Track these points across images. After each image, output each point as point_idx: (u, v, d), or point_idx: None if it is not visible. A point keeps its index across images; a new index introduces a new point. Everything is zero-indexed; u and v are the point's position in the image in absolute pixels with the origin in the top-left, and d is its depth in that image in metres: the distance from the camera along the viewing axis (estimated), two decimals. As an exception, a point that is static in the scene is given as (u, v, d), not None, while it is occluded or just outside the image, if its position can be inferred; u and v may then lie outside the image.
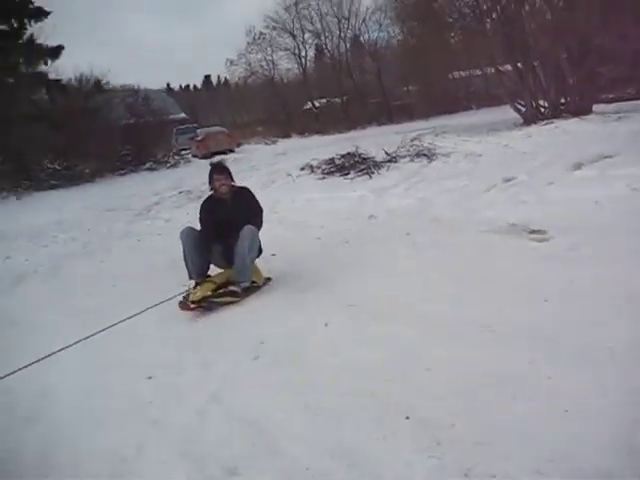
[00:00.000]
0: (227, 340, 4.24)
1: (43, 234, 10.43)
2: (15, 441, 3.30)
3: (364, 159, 11.60)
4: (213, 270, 5.46)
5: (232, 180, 5.58)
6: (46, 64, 23.41)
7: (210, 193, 5.64)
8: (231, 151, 25.64)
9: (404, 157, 11.29)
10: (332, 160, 12.01)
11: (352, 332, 4.00)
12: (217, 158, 6.36)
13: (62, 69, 24.04)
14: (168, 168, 21.78)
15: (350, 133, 27.98)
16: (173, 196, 13.23)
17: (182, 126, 31.68)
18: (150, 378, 3.79)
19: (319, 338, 4.00)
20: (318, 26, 38.51)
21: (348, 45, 39.10)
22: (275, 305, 4.88)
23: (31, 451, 3.16)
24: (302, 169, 12.46)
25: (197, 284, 5.19)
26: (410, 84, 36.12)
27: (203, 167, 20.61)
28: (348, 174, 11.08)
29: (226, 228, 5.23)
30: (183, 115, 42.18)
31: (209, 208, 5.50)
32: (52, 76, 23.65)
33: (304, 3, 37.50)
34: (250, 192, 5.63)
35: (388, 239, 6.45)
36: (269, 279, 5.57)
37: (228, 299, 5.08)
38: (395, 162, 11.11)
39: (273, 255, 6.48)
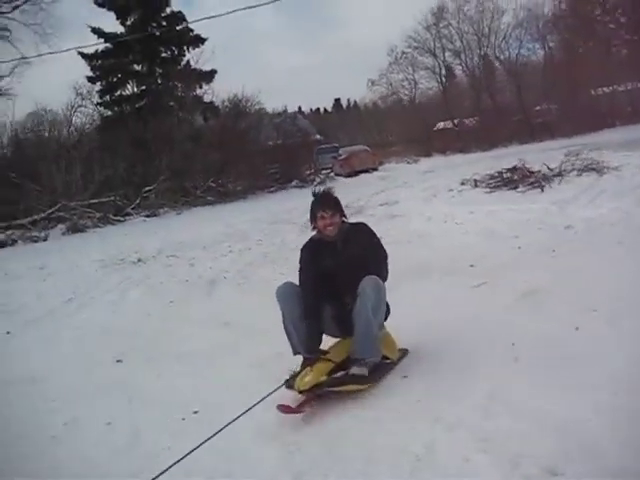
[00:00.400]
0: (476, 341, 4.08)
1: (216, 245, 10.77)
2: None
3: (531, 173, 11.24)
4: (325, 341, 4.01)
5: (343, 215, 4.13)
6: (201, 87, 24.74)
7: (313, 234, 4.20)
8: (374, 169, 25.84)
9: (570, 171, 10.87)
10: (500, 174, 11.72)
11: (610, 335, 3.76)
12: (325, 189, 3.80)
13: (216, 92, 25.25)
14: (316, 186, 22.11)
15: (493, 151, 27.36)
16: (332, 211, 13.28)
17: (323, 146, 32.24)
18: (406, 377, 3.74)
19: (577, 340, 3.77)
20: (458, 44, 38.18)
21: (488, 62, 38.45)
22: (509, 308, 4.69)
23: (318, 445, 3.18)
24: (462, 184, 12.30)
25: (307, 362, 3.73)
26: (551, 102, 34.89)
27: (350, 185, 21.06)
28: (517, 188, 10.77)
29: (336, 282, 3.92)
30: (318, 136, 42.99)
31: (311, 255, 4.07)
32: (207, 99, 24.90)
33: (444, 22, 37.37)
34: (368, 229, 4.15)
35: (600, 247, 6.14)
36: (406, 351, 4.16)
37: (351, 387, 3.62)
38: (562, 176, 10.69)
39: (472, 266, 6.32)
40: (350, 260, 3.88)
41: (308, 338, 3.80)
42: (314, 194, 4.13)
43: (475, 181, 12.05)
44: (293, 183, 22.51)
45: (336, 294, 3.92)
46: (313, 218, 4.09)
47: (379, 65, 43.84)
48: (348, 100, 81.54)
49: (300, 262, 4.10)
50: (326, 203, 4.06)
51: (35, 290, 9.01)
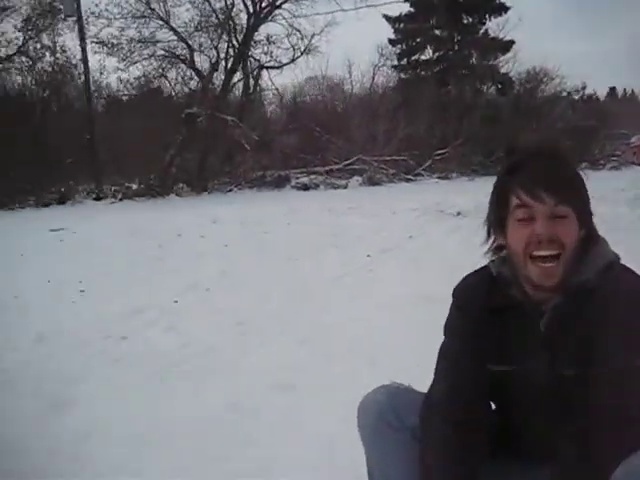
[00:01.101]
0: None
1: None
2: None
3: None
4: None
5: (589, 226, 1.41)
6: (496, 58, 24.34)
7: (486, 264, 1.57)
8: (675, 160, 23.75)
9: None
10: None
11: None
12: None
13: (512, 63, 24.57)
14: (609, 170, 21.09)
15: None
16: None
17: (610, 131, 30.18)
18: None
19: None
20: None
21: None
22: None
23: None
24: None
25: None
26: None
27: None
28: None
29: (531, 418, 1.46)
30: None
31: (473, 326, 1.49)
32: (503, 70, 24.49)
33: None
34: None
35: None
36: None
37: None
38: None
39: None
40: (580, 368, 1.35)
41: None
42: (509, 150, 1.54)
43: None
44: (582, 165, 21.48)
45: (526, 447, 1.50)
46: (497, 215, 1.50)
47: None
48: (624, 89, 75.52)
49: (445, 333, 1.59)
50: (546, 176, 1.38)
51: (366, 226, 9.46)
